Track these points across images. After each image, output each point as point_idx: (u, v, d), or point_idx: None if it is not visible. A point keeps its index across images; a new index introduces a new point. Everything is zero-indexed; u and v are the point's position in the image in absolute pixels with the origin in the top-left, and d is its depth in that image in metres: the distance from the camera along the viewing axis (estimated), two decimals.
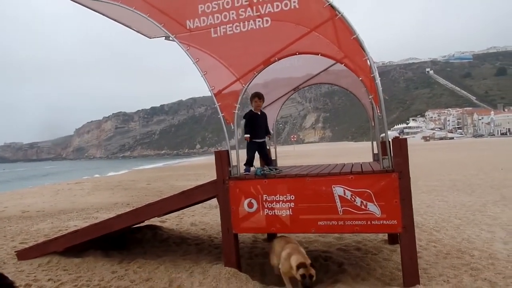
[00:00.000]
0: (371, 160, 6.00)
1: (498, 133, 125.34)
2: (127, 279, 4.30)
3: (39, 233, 7.30)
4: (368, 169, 3.97)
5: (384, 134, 4.25)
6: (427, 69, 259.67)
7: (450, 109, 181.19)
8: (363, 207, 3.70)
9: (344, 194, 3.76)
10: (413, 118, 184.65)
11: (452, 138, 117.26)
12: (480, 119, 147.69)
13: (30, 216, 9.64)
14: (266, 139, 5.22)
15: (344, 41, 3.93)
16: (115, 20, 5.63)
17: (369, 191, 3.69)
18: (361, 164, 4.96)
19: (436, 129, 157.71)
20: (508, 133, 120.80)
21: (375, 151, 5.63)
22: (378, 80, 3.85)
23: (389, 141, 3.75)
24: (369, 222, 3.69)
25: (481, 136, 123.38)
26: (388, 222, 3.66)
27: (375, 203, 3.68)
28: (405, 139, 3.76)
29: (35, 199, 13.86)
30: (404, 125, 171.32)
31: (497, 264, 4.36)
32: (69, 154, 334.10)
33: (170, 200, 4.61)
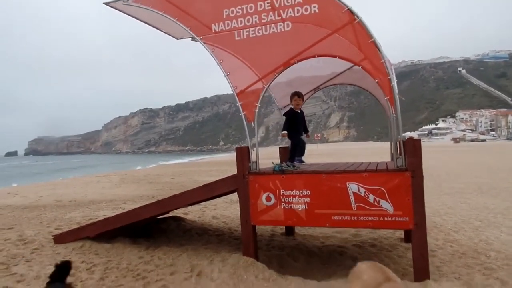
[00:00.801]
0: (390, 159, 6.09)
1: None
2: (153, 264, 4.63)
3: (72, 221, 7.81)
4: (382, 168, 4.12)
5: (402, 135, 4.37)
6: (459, 68, 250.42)
7: (482, 110, 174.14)
8: (376, 203, 3.85)
9: (358, 190, 3.93)
10: (443, 118, 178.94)
11: (484, 140, 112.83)
12: None
13: (63, 205, 10.26)
14: (304, 137, 5.58)
15: (363, 43, 4.08)
16: (145, 23, 5.97)
17: (382, 188, 3.84)
18: (377, 163, 5.09)
19: (467, 130, 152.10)
20: None
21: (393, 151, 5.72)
22: (394, 82, 3.99)
23: (403, 141, 3.88)
24: (381, 218, 3.85)
25: None
26: (400, 219, 3.79)
27: (388, 200, 3.82)
28: (419, 139, 3.88)
29: (67, 189, 14.64)
30: (433, 125, 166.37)
31: None
32: (97, 148, 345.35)
33: (194, 192, 4.91)
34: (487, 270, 4.22)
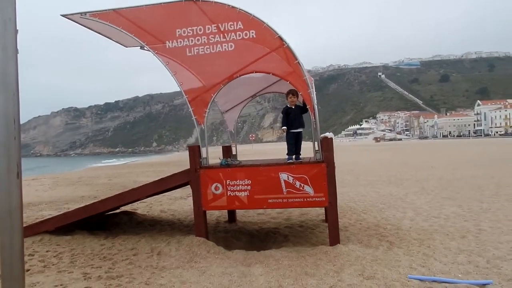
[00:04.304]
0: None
1: (440, 136, 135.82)
2: (115, 249, 5.27)
3: None
4: (306, 161, 5.29)
5: (323, 134, 5.59)
6: (379, 73, 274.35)
7: (399, 112, 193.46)
8: (301, 188, 4.99)
9: (288, 179, 5.03)
10: (366, 120, 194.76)
11: (401, 139, 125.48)
12: (425, 122, 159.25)
13: None
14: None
15: (291, 63, 5.20)
16: (97, 32, 6.47)
17: (305, 176, 4.99)
18: (304, 158, 6.29)
19: (386, 130, 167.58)
20: (449, 136, 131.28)
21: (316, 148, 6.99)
22: (313, 95, 5.19)
23: (320, 140, 5.08)
24: (305, 199, 5.00)
25: (426, 138, 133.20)
26: (319, 199, 4.98)
27: (310, 185, 4.98)
28: (331, 138, 5.11)
29: None
30: (358, 126, 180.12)
31: (400, 233, 5.87)
32: None
33: (150, 185, 5.65)
34: (382, 237, 5.63)
